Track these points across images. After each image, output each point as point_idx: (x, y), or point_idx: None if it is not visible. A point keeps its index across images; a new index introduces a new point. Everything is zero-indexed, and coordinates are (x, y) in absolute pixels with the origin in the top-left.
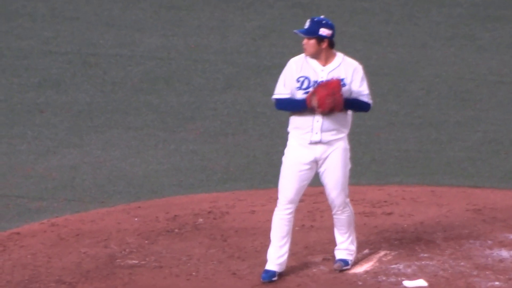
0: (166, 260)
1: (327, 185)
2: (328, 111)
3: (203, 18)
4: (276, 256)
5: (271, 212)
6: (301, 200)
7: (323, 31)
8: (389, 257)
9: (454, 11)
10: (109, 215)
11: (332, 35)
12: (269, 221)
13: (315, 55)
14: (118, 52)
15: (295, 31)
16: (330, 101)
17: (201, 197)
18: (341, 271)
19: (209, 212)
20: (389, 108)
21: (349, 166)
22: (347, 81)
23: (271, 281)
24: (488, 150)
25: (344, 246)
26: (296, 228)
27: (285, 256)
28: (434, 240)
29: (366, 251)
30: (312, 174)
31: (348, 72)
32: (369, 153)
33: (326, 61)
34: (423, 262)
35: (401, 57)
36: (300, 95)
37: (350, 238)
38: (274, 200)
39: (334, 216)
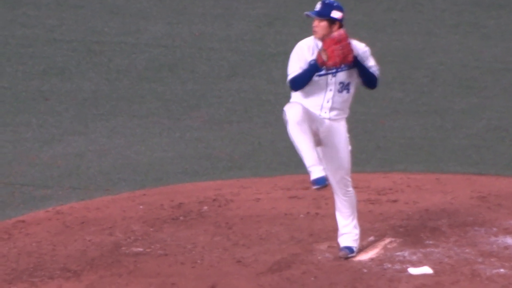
0: (171, 248)
1: (329, 160)
2: (339, 62)
3: (207, 5)
4: (316, 159)
5: (276, 200)
6: (305, 188)
7: (335, 14)
8: (394, 245)
9: None
10: (114, 202)
11: (343, 18)
12: (274, 208)
13: (325, 38)
14: (123, 40)
15: (306, 13)
16: (339, 51)
17: (206, 184)
18: (346, 258)
19: (214, 199)
20: (394, 96)
21: (349, 146)
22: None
23: (326, 185)
24: (493, 138)
25: (348, 230)
26: (301, 215)
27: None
28: (439, 227)
29: (371, 238)
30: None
31: (355, 50)
32: (374, 141)
33: None
34: (428, 250)
35: (405, 44)
36: (313, 77)
37: (354, 222)
38: (279, 188)
39: (337, 199)
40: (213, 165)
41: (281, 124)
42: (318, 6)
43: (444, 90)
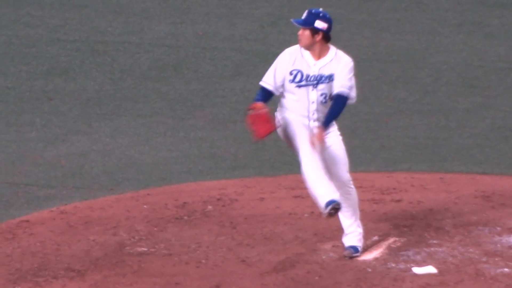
0: (175, 248)
1: (328, 162)
2: (263, 135)
3: (211, 5)
4: (329, 189)
5: (280, 199)
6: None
7: (319, 24)
8: (399, 244)
9: None
10: (118, 202)
11: (328, 29)
12: (278, 208)
13: (308, 47)
14: (127, 39)
15: (292, 20)
16: (259, 127)
17: (210, 184)
18: (351, 258)
19: (218, 199)
20: (398, 95)
21: (344, 147)
22: (334, 76)
23: (337, 209)
24: (497, 137)
25: (352, 229)
26: (305, 215)
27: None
28: (443, 227)
29: (376, 238)
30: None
31: (337, 67)
32: (378, 140)
33: (319, 55)
34: (432, 249)
35: (409, 44)
36: (292, 88)
37: (357, 221)
38: (283, 187)
39: (342, 195)
40: (217, 165)
41: None
42: (304, 15)
43: (448, 90)
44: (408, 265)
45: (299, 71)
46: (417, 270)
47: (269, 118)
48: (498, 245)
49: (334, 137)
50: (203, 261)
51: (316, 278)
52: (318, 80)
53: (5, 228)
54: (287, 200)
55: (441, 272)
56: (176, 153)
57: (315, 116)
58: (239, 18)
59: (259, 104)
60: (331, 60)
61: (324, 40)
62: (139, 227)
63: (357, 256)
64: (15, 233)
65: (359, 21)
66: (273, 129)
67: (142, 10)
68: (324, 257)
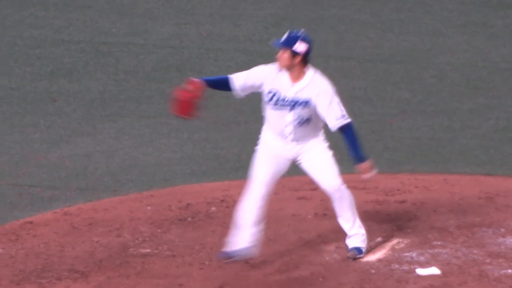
0: (179, 249)
1: (314, 172)
2: (180, 114)
3: (215, 6)
4: (243, 240)
5: (283, 200)
6: (313, 189)
7: (298, 46)
8: (402, 245)
9: None
10: (122, 203)
11: (308, 52)
12: (282, 209)
13: (287, 69)
14: (131, 40)
15: (271, 42)
16: (184, 105)
17: (214, 185)
18: (355, 259)
19: (222, 200)
20: (402, 96)
21: (330, 152)
22: (312, 102)
23: (226, 259)
24: (501, 138)
25: (355, 231)
26: (309, 216)
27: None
28: (447, 228)
29: (379, 239)
30: (285, 167)
31: (313, 93)
32: (382, 141)
33: (297, 77)
34: (436, 250)
35: (413, 44)
36: (269, 107)
37: (357, 222)
38: (286, 188)
39: (336, 205)
40: (221, 166)
41: None
42: (284, 36)
43: (451, 90)
44: (412, 267)
45: (276, 91)
46: (420, 271)
47: (192, 104)
48: (502, 246)
49: (318, 148)
50: (207, 262)
51: (320, 279)
52: (294, 103)
53: (9, 229)
54: (291, 202)
55: (444, 274)
56: (180, 154)
57: (292, 136)
58: (243, 19)
59: (198, 83)
60: (307, 85)
61: (303, 62)
62: (142, 229)
63: (361, 258)
64: (19, 235)
65: (363, 22)
66: (188, 116)
67: (146, 11)
68: (327, 258)
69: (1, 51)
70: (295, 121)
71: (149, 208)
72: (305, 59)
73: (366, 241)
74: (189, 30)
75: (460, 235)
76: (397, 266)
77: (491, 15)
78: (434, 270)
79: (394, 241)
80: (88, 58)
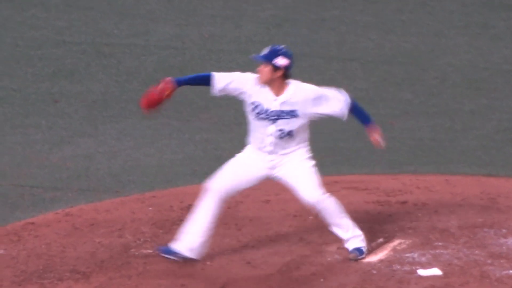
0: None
1: (293, 184)
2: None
3: (216, 7)
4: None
5: (285, 201)
6: None
7: (279, 61)
8: (404, 246)
9: None
10: (124, 204)
11: (289, 66)
12: (283, 210)
13: (268, 83)
14: (132, 41)
15: (252, 56)
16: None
17: None
18: (356, 260)
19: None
20: (403, 97)
21: (311, 162)
22: (300, 110)
23: (165, 254)
24: (503, 139)
25: (350, 234)
26: (310, 217)
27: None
28: (449, 229)
29: (381, 240)
30: (256, 179)
31: (300, 102)
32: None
33: (279, 90)
34: (437, 251)
35: (415, 46)
36: (252, 118)
37: (351, 224)
38: (288, 189)
39: (323, 214)
40: (223, 167)
41: None
42: (265, 50)
43: (453, 91)
44: (413, 267)
45: (259, 104)
46: (422, 272)
47: (155, 101)
48: (504, 247)
49: (297, 159)
50: (208, 263)
51: (321, 280)
52: (278, 115)
53: (11, 230)
54: (292, 202)
55: (446, 274)
56: (182, 155)
57: (270, 148)
58: (245, 20)
59: (168, 84)
60: (291, 96)
61: (284, 77)
62: (144, 229)
63: (363, 258)
64: (20, 235)
65: (365, 23)
66: (147, 111)
67: (147, 12)
68: (329, 259)
69: (3, 52)
70: (276, 133)
71: (150, 209)
72: (286, 74)
73: (365, 240)
74: (191, 31)
75: (462, 236)
76: (398, 267)
77: (492, 16)
78: (435, 271)
79: (396, 241)
80: (90, 59)
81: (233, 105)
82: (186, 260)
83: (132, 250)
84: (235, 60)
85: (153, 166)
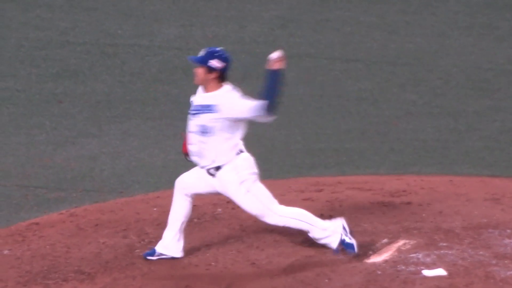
0: (185, 250)
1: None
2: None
3: (221, 8)
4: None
5: (289, 202)
6: (319, 190)
7: (213, 63)
8: (408, 247)
9: (472, 0)
10: (128, 205)
11: (224, 68)
12: None
13: (203, 84)
14: (136, 42)
15: (188, 57)
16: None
17: None
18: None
19: (228, 201)
20: (407, 98)
21: (243, 184)
22: (218, 107)
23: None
24: (507, 140)
25: (323, 236)
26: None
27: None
28: (453, 230)
29: (385, 240)
30: (206, 189)
31: (220, 102)
32: (388, 143)
33: (210, 91)
34: (442, 251)
35: (419, 46)
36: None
37: (316, 229)
38: (292, 190)
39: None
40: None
41: (295, 126)
42: (201, 52)
43: (457, 92)
44: (418, 268)
45: (192, 101)
46: (427, 272)
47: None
48: (508, 247)
49: (227, 184)
50: (213, 263)
51: (326, 280)
52: (199, 109)
53: (15, 230)
54: (297, 203)
55: (450, 275)
56: None
57: (192, 148)
58: (249, 21)
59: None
60: (216, 94)
61: (219, 79)
62: (149, 230)
63: (353, 250)
64: (25, 236)
65: (369, 24)
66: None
67: (152, 12)
68: (333, 259)
69: (7, 53)
70: (197, 127)
71: (155, 209)
72: (222, 76)
73: (332, 235)
74: (195, 31)
75: (466, 237)
76: (403, 267)
77: (497, 17)
78: (440, 271)
79: (400, 242)
80: (94, 60)
81: None
82: (166, 258)
83: (136, 250)
84: (239, 60)
85: (158, 166)
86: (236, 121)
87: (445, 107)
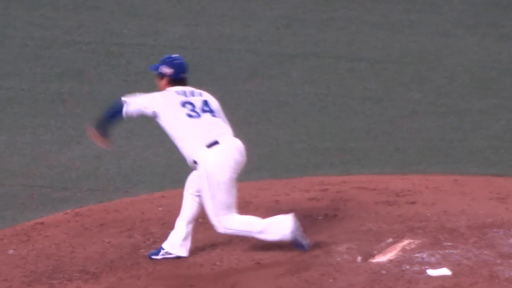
0: (190, 250)
1: None
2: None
3: (225, 7)
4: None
5: (294, 201)
6: (323, 190)
7: (163, 69)
8: (413, 246)
9: None
10: (133, 204)
11: (174, 74)
12: (292, 210)
13: (161, 89)
14: (141, 41)
15: (149, 66)
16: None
17: None
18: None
19: None
20: (412, 97)
21: (210, 184)
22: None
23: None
24: (511, 139)
25: (272, 232)
26: (320, 217)
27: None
28: (458, 229)
29: (390, 240)
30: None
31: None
32: (392, 142)
33: None
34: (446, 251)
35: (423, 45)
36: None
37: (266, 231)
38: (297, 189)
39: None
40: None
41: (300, 126)
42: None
43: (462, 91)
44: (423, 267)
45: None
46: (431, 272)
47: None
48: None
49: (200, 180)
50: (218, 263)
51: (330, 280)
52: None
53: (20, 230)
54: (302, 202)
55: (455, 274)
56: None
57: None
58: (254, 20)
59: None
60: None
61: (172, 84)
62: (154, 229)
63: (305, 239)
64: (30, 235)
65: (373, 23)
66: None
67: (156, 12)
68: (338, 259)
69: (12, 52)
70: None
71: (160, 209)
72: (172, 81)
73: (283, 226)
74: (200, 31)
75: (471, 236)
76: (408, 267)
77: (501, 16)
78: (444, 271)
79: (405, 242)
80: (99, 59)
81: (243, 105)
82: (172, 257)
83: (141, 250)
84: (244, 59)
85: (163, 166)
86: (156, 118)
87: (449, 106)
